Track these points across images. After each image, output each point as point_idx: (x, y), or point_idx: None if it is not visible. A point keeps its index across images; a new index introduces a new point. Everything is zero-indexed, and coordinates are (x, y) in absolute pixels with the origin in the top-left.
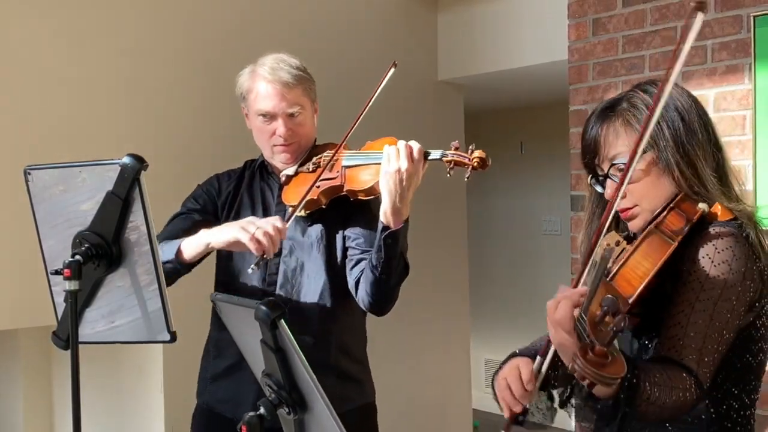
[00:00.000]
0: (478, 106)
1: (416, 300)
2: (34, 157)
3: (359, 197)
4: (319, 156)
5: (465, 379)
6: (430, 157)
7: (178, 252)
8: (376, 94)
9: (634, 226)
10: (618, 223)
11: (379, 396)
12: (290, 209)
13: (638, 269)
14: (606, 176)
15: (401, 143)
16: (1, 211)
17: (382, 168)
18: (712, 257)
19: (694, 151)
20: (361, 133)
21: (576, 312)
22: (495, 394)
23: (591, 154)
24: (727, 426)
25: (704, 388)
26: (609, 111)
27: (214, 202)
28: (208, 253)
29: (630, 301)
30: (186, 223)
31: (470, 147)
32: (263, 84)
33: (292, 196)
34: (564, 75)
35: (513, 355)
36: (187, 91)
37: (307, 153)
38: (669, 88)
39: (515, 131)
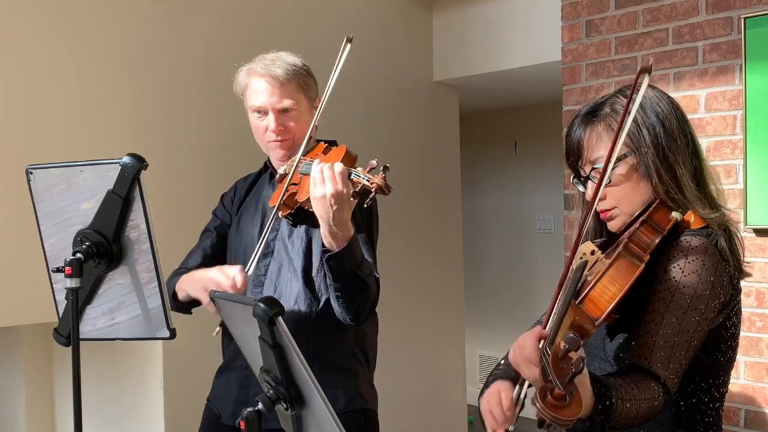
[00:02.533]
0: (472, 106)
1: (411, 297)
2: (35, 156)
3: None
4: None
5: (460, 374)
6: (351, 177)
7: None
8: (336, 73)
9: (612, 226)
10: (603, 226)
11: None
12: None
13: (606, 293)
14: (587, 178)
15: (324, 166)
16: (3, 210)
17: (311, 193)
18: (682, 268)
19: (673, 156)
20: (358, 133)
21: (541, 344)
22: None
23: (574, 157)
24: (696, 418)
25: (671, 393)
26: (592, 115)
27: (230, 211)
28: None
29: (596, 323)
30: (209, 240)
31: (378, 166)
32: (256, 79)
33: (275, 198)
34: (557, 76)
35: (496, 369)
36: (188, 91)
37: (301, 150)
38: (621, 140)
39: (509, 131)
